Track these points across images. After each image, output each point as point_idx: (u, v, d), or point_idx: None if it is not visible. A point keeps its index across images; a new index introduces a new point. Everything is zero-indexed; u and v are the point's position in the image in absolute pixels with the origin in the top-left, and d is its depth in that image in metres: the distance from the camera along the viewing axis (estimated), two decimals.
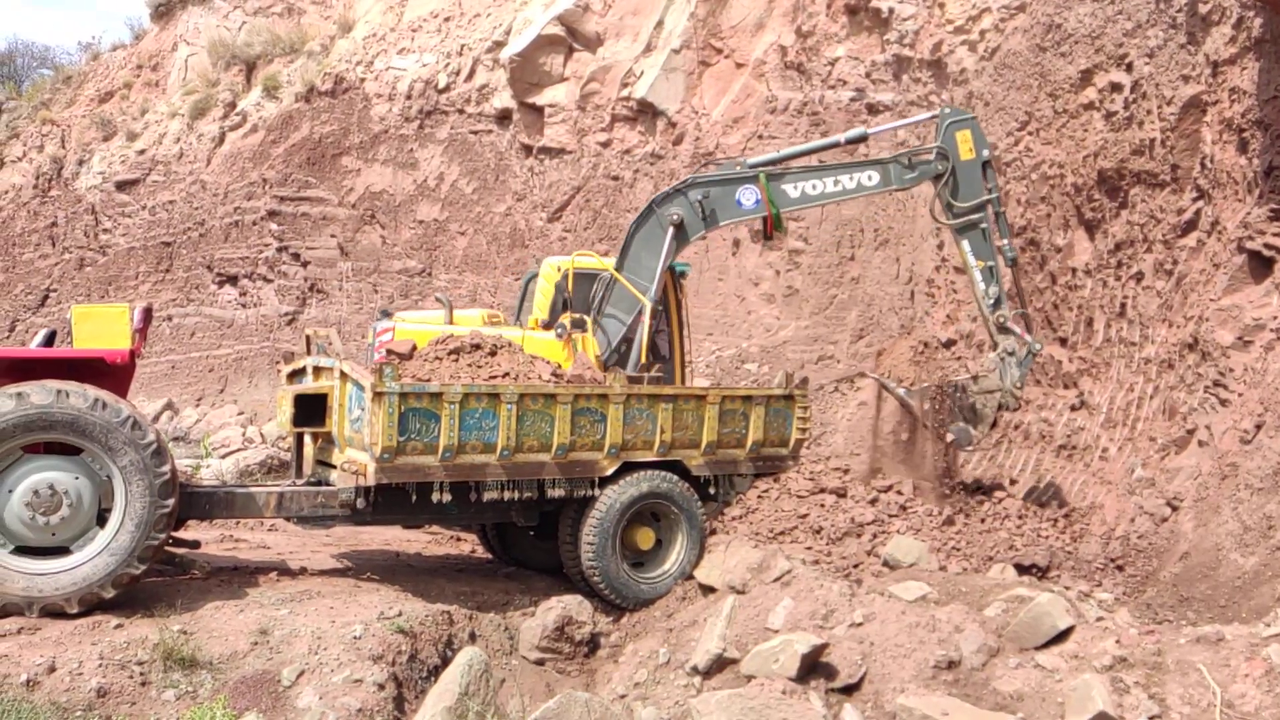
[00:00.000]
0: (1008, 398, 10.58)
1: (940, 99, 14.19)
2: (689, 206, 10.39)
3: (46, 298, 25.59)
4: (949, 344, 11.42)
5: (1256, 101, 9.39)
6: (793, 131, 15.80)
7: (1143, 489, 9.95)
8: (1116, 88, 11.25)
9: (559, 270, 10.49)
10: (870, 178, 10.49)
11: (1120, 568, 9.65)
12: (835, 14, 15.72)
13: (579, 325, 10.08)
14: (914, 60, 14.68)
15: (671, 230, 10.28)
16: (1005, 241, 10.54)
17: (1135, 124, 10.96)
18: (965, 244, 10.48)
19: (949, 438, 10.81)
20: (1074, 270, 11.79)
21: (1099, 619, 7.45)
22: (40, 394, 7.07)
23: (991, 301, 10.45)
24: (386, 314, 10.64)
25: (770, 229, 10.70)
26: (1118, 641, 6.68)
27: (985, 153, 10.45)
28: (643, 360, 9.97)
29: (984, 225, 10.39)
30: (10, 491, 7.15)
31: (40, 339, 8.45)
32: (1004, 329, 10.49)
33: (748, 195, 10.42)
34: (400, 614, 7.57)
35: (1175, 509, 9.47)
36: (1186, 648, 6.44)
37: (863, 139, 11.16)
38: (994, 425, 11.08)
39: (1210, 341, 9.52)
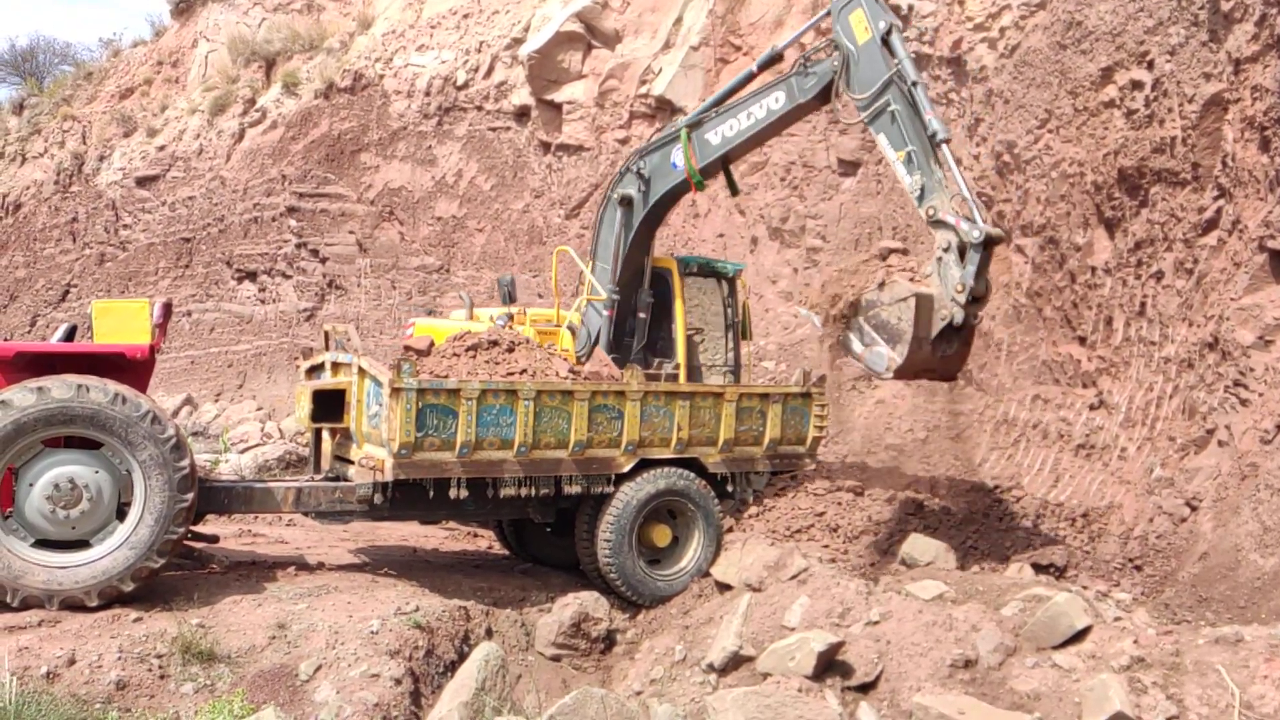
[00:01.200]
0: (952, 309, 8.38)
1: (960, 96, 14.13)
2: (634, 180, 10.07)
3: (67, 293, 25.80)
4: (889, 255, 9.31)
5: (1279, 99, 9.31)
6: (811, 129, 15.75)
7: (1161, 489, 9.89)
8: (1137, 85, 11.17)
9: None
10: (777, 100, 9.46)
11: (1139, 568, 9.60)
12: None
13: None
14: (933, 57, 14.61)
15: (620, 210, 10.06)
16: (929, 115, 8.67)
17: (1156, 122, 10.88)
18: (881, 137, 8.91)
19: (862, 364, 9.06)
20: (1093, 269, 11.72)
21: (1117, 619, 7.41)
22: (60, 388, 7.13)
23: (917, 193, 8.64)
24: (430, 313, 10.65)
25: (694, 188, 10.04)
26: (1136, 641, 6.64)
27: (883, 24, 8.86)
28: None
29: (894, 108, 8.75)
30: (31, 485, 7.21)
31: (61, 334, 8.52)
32: (936, 223, 8.57)
33: (679, 155, 9.79)
34: (417, 609, 7.60)
35: (1194, 509, 9.41)
36: (1205, 648, 6.41)
37: (777, 59, 10.07)
38: (948, 343, 8.68)
39: (1231, 341, 9.45)
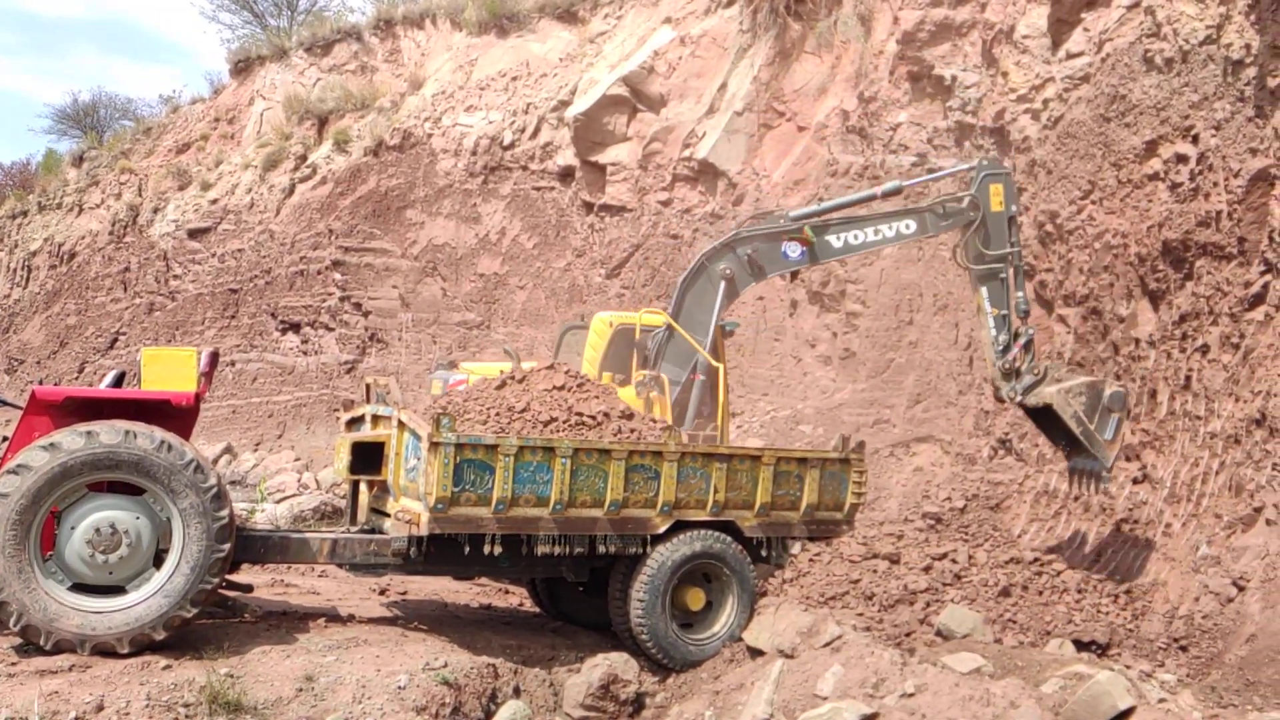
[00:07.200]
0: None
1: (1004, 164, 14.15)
2: (738, 261, 10.58)
3: (115, 340, 26.30)
4: None
5: None
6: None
7: (1208, 567, 9.67)
8: (1182, 159, 11.14)
9: (610, 325, 10.70)
10: (908, 226, 10.84)
11: (1184, 648, 9.36)
12: (898, 80, 15.81)
13: (657, 382, 10.24)
14: (976, 127, 14.69)
15: (723, 285, 10.46)
16: (1020, 295, 10.98)
17: (1201, 195, 10.84)
18: (984, 290, 10.86)
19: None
20: (1137, 341, 11.60)
21: (1161, 701, 7.23)
22: (109, 434, 7.21)
23: (1000, 348, 10.85)
24: (452, 364, 10.85)
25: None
26: None
27: (1014, 208, 10.89)
28: (697, 416, 10.04)
29: (1003, 276, 10.80)
30: (73, 529, 7.25)
31: (110, 380, 8.63)
32: (1011, 373, 10.87)
33: (793, 248, 10.71)
34: (445, 665, 7.55)
35: (1241, 589, 9.18)
36: None
37: (898, 191, 11.33)
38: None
39: (1279, 418, 9.29)
